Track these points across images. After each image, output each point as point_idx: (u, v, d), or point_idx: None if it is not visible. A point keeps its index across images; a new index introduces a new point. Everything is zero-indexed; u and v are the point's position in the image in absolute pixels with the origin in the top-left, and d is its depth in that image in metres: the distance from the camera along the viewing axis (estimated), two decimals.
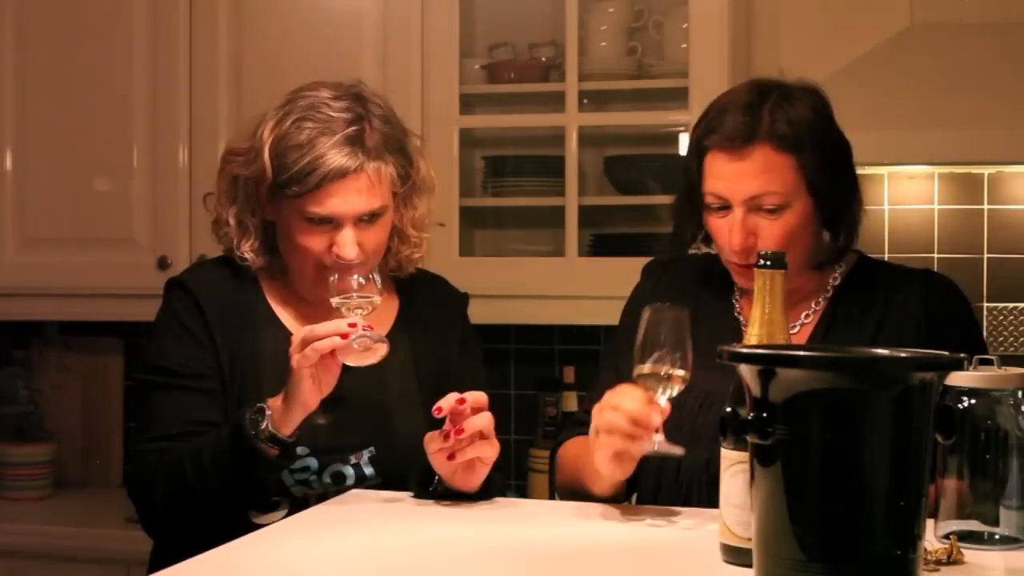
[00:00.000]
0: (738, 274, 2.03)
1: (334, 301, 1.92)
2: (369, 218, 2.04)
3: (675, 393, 1.75)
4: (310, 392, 1.88)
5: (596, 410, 1.81)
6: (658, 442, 1.76)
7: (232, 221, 2.10)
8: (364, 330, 1.88)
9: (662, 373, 1.74)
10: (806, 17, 3.12)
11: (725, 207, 1.97)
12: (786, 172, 1.94)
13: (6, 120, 3.27)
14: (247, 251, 2.10)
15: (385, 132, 2.06)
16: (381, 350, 1.89)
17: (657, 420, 1.76)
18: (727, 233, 1.97)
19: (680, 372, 1.74)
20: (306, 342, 1.86)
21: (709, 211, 2.01)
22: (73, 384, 3.61)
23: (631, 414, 1.76)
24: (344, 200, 2.01)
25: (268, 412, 1.90)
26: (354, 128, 2.02)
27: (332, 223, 2.02)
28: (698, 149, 2.01)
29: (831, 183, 1.98)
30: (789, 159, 1.94)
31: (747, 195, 1.95)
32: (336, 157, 2.00)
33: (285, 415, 1.90)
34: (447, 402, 1.88)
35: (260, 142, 2.05)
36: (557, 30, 3.08)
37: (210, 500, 1.93)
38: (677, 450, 1.78)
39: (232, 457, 1.91)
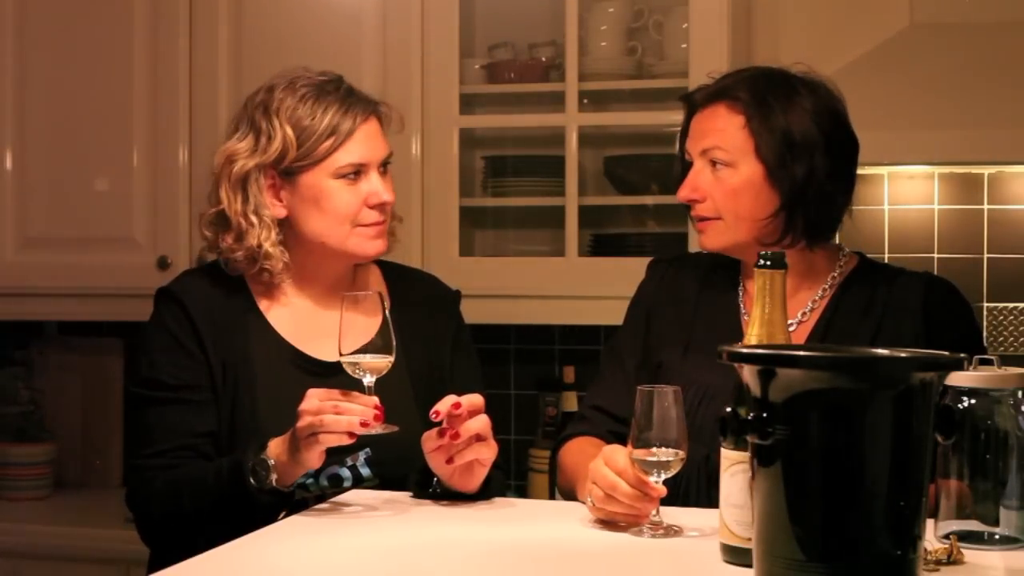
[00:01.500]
0: (696, 232, 2.11)
1: (344, 360, 1.88)
2: (383, 168, 2.13)
3: (672, 474, 1.73)
4: (318, 459, 1.86)
5: (591, 472, 1.79)
6: (650, 524, 1.73)
7: (253, 218, 2.09)
8: (375, 423, 1.82)
9: (657, 457, 1.71)
10: (806, 17, 3.12)
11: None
12: (735, 132, 2.02)
13: (6, 120, 3.27)
14: (271, 246, 2.10)
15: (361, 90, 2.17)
16: (388, 428, 1.86)
17: (649, 505, 1.74)
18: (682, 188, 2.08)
19: (675, 455, 1.71)
20: (313, 429, 1.82)
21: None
22: (73, 384, 3.61)
23: (624, 498, 1.75)
24: (371, 144, 2.10)
25: (271, 463, 1.88)
26: (345, 85, 2.13)
27: (362, 173, 2.09)
28: (688, 109, 2.11)
29: (783, 160, 1.99)
30: (740, 119, 2.02)
31: (700, 148, 2.05)
32: (353, 105, 2.10)
33: (288, 471, 1.89)
34: (444, 406, 1.87)
35: (271, 125, 2.08)
36: (557, 30, 3.07)
37: (203, 525, 1.92)
38: (670, 532, 1.75)
39: (230, 497, 1.91)
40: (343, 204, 2.09)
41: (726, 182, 2.02)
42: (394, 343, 1.90)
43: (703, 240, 2.08)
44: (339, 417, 1.82)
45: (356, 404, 1.83)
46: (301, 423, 1.83)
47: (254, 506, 1.88)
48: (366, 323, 1.91)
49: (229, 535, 1.73)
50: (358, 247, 2.11)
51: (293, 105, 2.08)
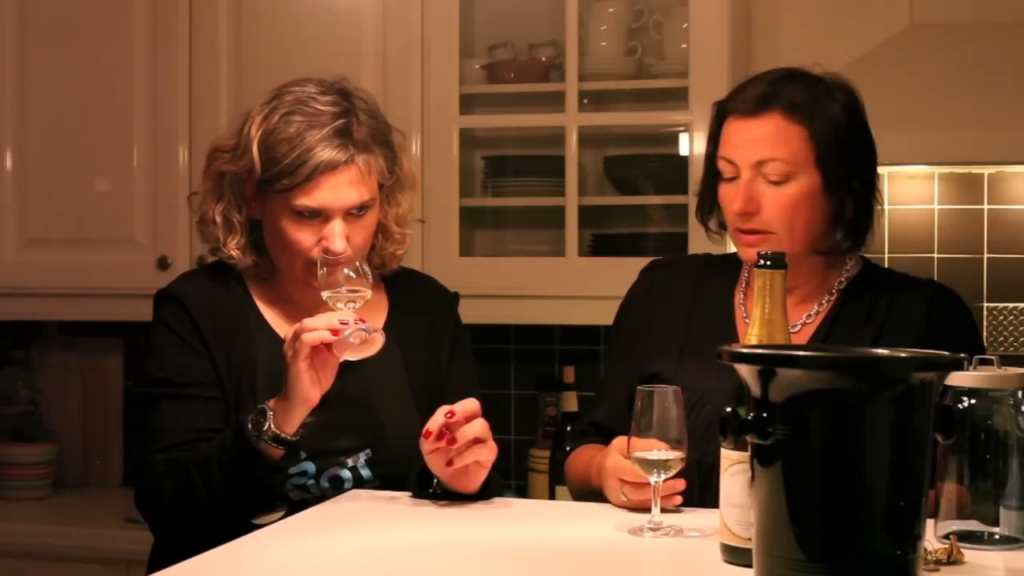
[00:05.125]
0: (741, 246, 2.02)
1: (324, 295, 1.92)
2: (358, 211, 2.05)
3: (672, 473, 1.73)
4: (309, 387, 1.88)
5: (614, 470, 1.85)
6: (651, 524, 1.74)
7: (218, 219, 2.10)
8: (357, 323, 1.88)
9: (657, 457, 1.71)
10: (806, 17, 3.12)
11: (736, 176, 1.98)
12: (795, 142, 1.95)
13: (6, 120, 3.27)
14: (233, 249, 2.10)
15: (372, 125, 2.08)
16: (378, 341, 1.89)
17: (679, 484, 1.78)
18: (732, 198, 1.98)
19: (674, 455, 1.72)
20: (297, 335, 1.87)
21: (721, 181, 2.01)
22: (73, 384, 3.61)
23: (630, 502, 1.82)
24: (334, 193, 2.02)
25: (270, 412, 1.90)
26: (342, 121, 2.03)
27: (321, 216, 2.03)
28: (719, 114, 2.04)
29: (841, 166, 1.97)
30: (800, 129, 1.95)
31: (754, 159, 1.96)
32: (326, 149, 2.01)
33: (287, 413, 1.90)
34: (434, 424, 1.87)
35: (248, 137, 2.05)
36: (557, 30, 3.08)
37: (216, 504, 1.93)
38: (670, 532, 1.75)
39: (237, 460, 1.91)
40: (294, 240, 2.04)
41: (784, 194, 1.95)
42: (370, 276, 1.92)
43: (753, 254, 2.00)
44: (318, 318, 1.86)
45: (334, 312, 1.89)
46: (286, 344, 1.89)
47: (260, 465, 1.89)
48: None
49: (234, 534, 1.73)
50: (305, 280, 2.06)
51: (273, 127, 2.03)
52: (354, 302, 1.91)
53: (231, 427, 1.95)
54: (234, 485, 1.91)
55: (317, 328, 1.86)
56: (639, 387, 1.75)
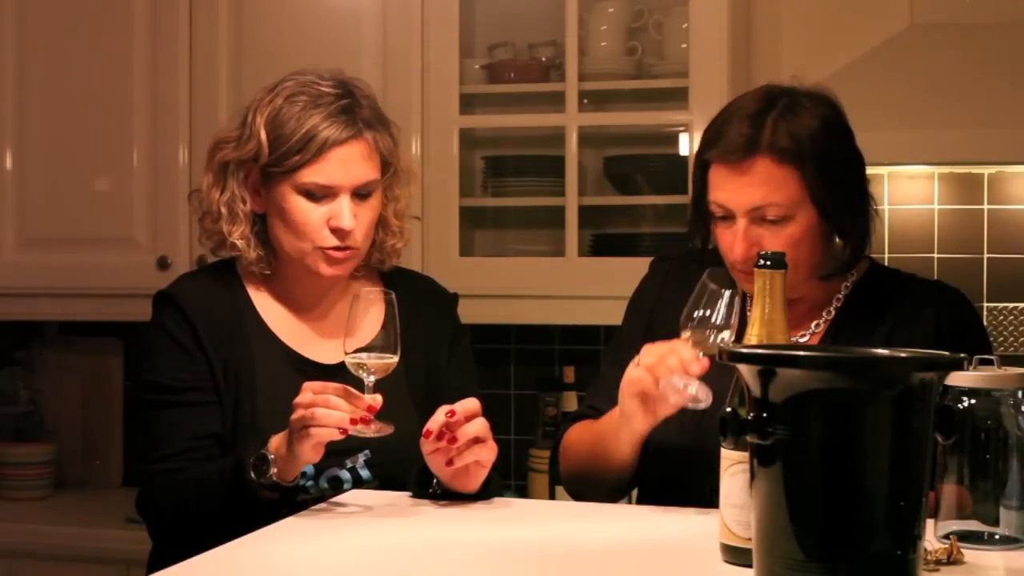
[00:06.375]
0: (743, 282, 1.98)
1: (349, 360, 1.88)
2: (364, 193, 2.06)
3: (713, 354, 1.76)
4: (312, 452, 1.85)
5: (642, 353, 1.83)
6: (687, 385, 1.76)
7: (223, 210, 2.10)
8: (364, 424, 1.82)
9: (707, 333, 1.76)
10: (806, 17, 3.12)
11: (729, 216, 1.96)
12: (788, 184, 1.92)
13: (6, 120, 3.27)
14: (238, 238, 2.10)
15: (373, 108, 2.11)
16: (383, 430, 1.86)
17: (695, 368, 1.77)
18: (731, 242, 1.96)
19: (724, 335, 1.76)
20: (304, 422, 1.82)
21: (715, 220, 2.00)
22: (73, 384, 3.61)
23: (671, 350, 1.80)
24: (344, 169, 2.04)
25: (271, 457, 1.88)
26: (346, 101, 2.07)
27: (330, 195, 2.04)
28: (701, 162, 2.00)
29: (836, 195, 1.95)
30: (790, 171, 1.92)
31: (749, 206, 1.93)
32: (334, 124, 2.03)
33: (288, 464, 1.88)
34: (435, 422, 1.87)
35: (253, 123, 2.07)
36: (557, 30, 3.08)
37: (212, 519, 1.92)
38: (702, 402, 1.76)
39: (235, 499, 1.91)
40: (302, 222, 2.05)
41: (783, 235, 1.93)
42: (399, 344, 1.90)
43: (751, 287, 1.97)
44: (330, 412, 1.82)
45: (346, 403, 1.83)
46: (294, 416, 1.84)
47: (257, 503, 1.89)
48: (372, 322, 1.92)
49: (235, 535, 1.73)
50: (314, 266, 2.08)
51: (278, 108, 2.05)
52: (376, 374, 1.87)
53: (231, 462, 1.94)
54: (229, 514, 1.90)
55: (328, 426, 1.81)
56: (703, 277, 1.79)
